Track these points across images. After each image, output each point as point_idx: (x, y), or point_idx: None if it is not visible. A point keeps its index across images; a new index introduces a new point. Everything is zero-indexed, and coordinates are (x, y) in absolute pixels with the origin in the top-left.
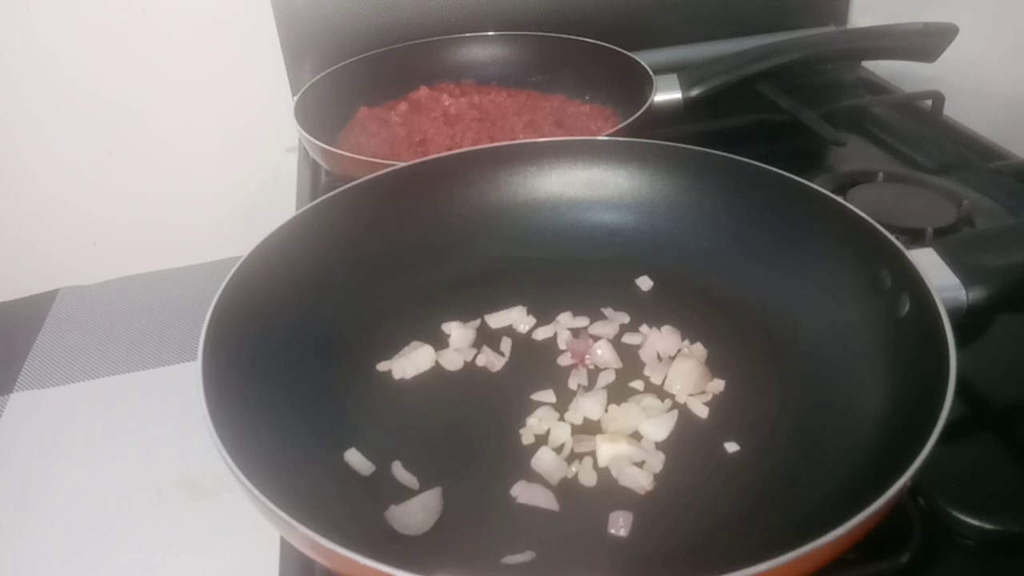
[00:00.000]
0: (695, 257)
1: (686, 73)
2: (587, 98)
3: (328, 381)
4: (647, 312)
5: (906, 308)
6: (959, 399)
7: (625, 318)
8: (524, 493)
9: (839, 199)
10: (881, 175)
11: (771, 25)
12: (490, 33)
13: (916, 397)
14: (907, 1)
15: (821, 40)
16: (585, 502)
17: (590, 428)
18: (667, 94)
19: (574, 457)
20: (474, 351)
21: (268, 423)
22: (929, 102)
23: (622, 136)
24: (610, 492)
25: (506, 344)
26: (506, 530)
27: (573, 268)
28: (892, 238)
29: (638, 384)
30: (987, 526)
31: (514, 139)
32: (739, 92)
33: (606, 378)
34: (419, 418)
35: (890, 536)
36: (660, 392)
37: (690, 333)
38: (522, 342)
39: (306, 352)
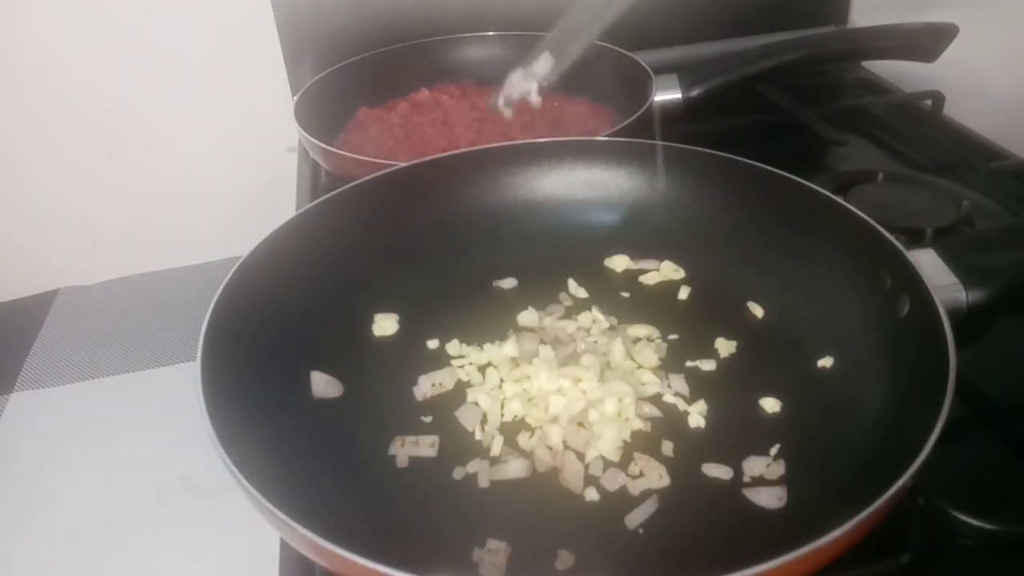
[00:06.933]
0: (694, 257)
1: (686, 73)
2: (587, 98)
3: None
4: (644, 312)
5: (906, 308)
6: (959, 399)
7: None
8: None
9: (839, 199)
10: (881, 175)
11: (771, 25)
12: (490, 33)
13: (916, 397)
14: (907, 1)
15: (821, 40)
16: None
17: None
18: (667, 94)
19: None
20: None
21: (267, 423)
22: (929, 102)
23: (622, 136)
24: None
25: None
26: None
27: (572, 269)
28: (892, 238)
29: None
30: (987, 526)
31: (514, 139)
32: (739, 92)
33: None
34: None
35: (890, 536)
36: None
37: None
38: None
39: (305, 352)
